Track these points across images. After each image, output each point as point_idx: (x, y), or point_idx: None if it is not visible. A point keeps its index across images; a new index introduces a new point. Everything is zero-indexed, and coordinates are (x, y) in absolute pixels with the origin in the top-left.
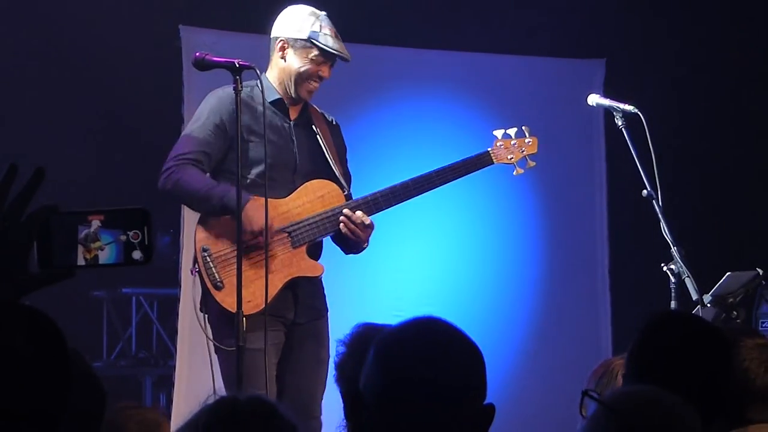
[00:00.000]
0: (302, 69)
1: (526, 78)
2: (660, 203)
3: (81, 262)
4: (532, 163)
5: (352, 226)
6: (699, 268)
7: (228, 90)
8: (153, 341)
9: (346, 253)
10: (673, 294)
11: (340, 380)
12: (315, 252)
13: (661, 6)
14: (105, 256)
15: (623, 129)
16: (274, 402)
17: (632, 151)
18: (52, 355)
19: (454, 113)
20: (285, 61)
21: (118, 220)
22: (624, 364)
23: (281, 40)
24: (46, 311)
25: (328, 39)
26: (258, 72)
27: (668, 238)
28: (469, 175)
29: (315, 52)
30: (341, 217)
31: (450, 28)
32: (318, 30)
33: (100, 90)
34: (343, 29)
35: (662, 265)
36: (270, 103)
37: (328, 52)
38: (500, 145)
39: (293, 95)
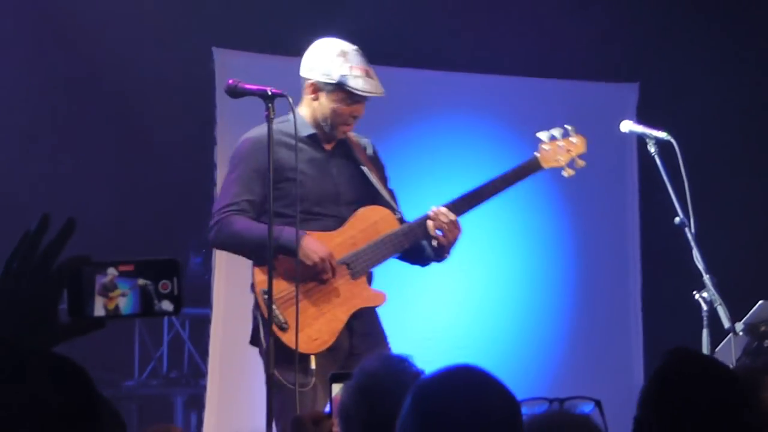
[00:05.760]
0: (336, 111)
1: (559, 101)
2: (692, 230)
3: (101, 312)
4: (582, 163)
5: (443, 224)
6: (731, 296)
7: (259, 131)
8: (184, 361)
9: (413, 263)
10: (705, 322)
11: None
12: (369, 281)
13: (695, 29)
14: (127, 305)
15: (656, 156)
16: None
17: (665, 178)
18: (81, 405)
19: (485, 136)
20: (317, 102)
21: (148, 270)
22: (637, 405)
23: (311, 83)
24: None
25: (358, 81)
26: (290, 101)
27: (700, 265)
28: (520, 183)
29: (346, 95)
30: (430, 214)
31: (481, 50)
32: (347, 72)
33: (131, 114)
34: (373, 51)
35: (694, 292)
36: (305, 137)
37: (360, 95)
38: (547, 149)
39: (329, 133)
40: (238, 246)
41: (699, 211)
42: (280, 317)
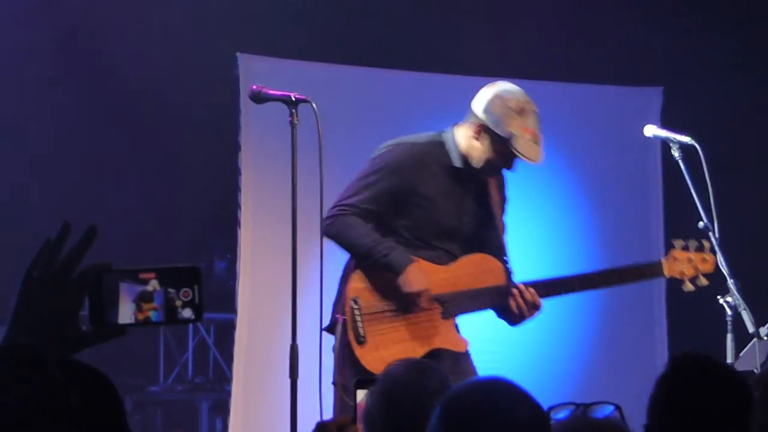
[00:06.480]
0: (490, 160)
1: (583, 105)
2: (717, 235)
3: (130, 320)
4: (705, 282)
5: (522, 302)
6: (755, 301)
7: (419, 148)
8: (209, 366)
9: (512, 325)
10: (729, 326)
11: None
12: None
13: (719, 34)
14: (155, 316)
15: (680, 160)
16: None
17: (689, 183)
18: (107, 413)
19: None
20: (477, 141)
21: (170, 278)
22: (646, 414)
23: (480, 124)
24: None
25: (524, 144)
26: (314, 106)
27: (725, 270)
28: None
29: (507, 151)
30: (514, 290)
31: (504, 54)
32: (518, 133)
33: (155, 118)
34: (392, 56)
35: (718, 297)
36: (452, 167)
37: (518, 157)
38: (677, 257)
39: (475, 170)
40: (345, 246)
41: (723, 216)
42: (360, 329)
